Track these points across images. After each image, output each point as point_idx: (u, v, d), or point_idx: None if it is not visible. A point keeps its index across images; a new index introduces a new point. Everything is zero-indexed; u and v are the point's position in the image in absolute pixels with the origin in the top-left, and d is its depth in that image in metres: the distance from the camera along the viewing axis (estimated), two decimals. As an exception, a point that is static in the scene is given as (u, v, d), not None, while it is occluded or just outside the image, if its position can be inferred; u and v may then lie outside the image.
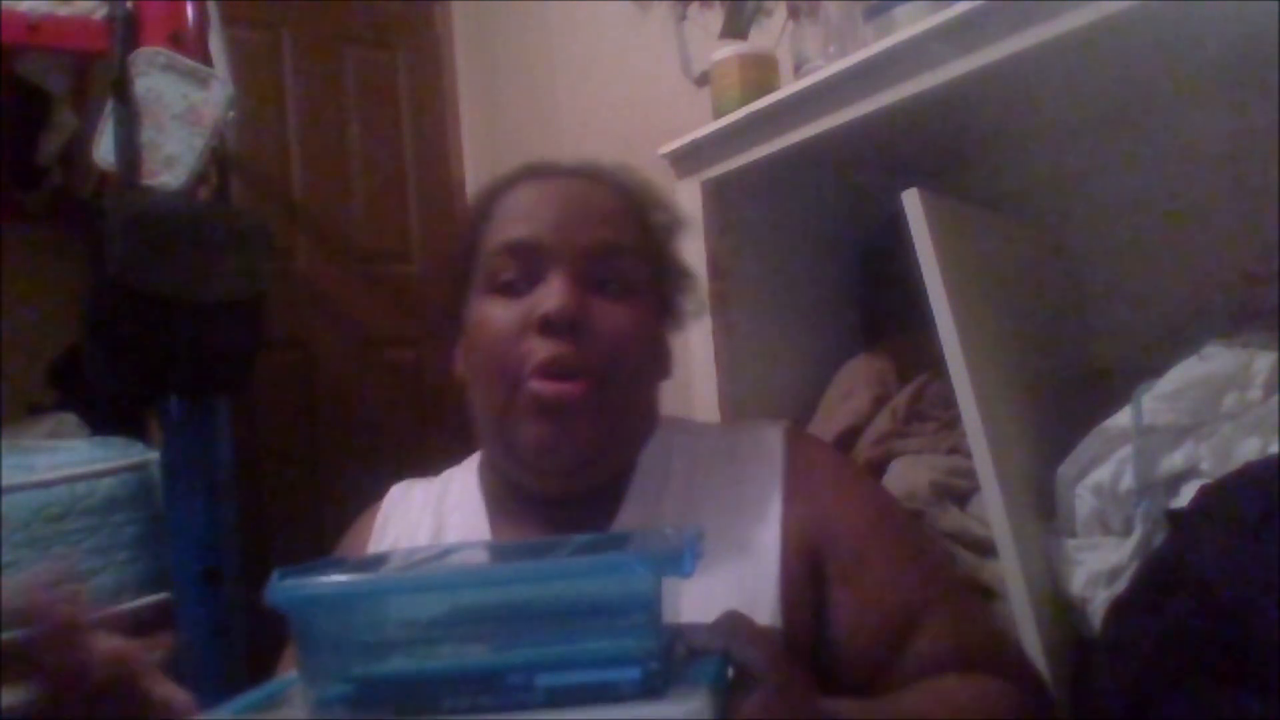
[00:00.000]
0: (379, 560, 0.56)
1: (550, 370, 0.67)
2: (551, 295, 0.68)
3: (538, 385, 0.67)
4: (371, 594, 0.45)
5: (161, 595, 1.41)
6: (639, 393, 0.75)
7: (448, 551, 0.55)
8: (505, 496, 0.76)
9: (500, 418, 0.71)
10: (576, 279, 0.70)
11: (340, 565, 0.51)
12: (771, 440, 0.74)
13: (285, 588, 0.44)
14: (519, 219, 0.73)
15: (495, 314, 0.71)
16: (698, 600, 0.52)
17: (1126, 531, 0.76)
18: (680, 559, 0.42)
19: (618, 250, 0.72)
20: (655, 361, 0.77)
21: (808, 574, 0.67)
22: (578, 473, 0.71)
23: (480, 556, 0.60)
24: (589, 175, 0.77)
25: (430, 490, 0.83)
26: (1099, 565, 0.76)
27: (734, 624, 0.48)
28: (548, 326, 0.67)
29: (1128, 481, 0.76)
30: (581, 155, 0.79)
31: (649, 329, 0.75)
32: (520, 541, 0.70)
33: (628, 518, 0.72)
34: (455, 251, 0.78)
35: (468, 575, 0.48)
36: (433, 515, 0.79)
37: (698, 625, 0.48)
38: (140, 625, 1.38)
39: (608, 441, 0.71)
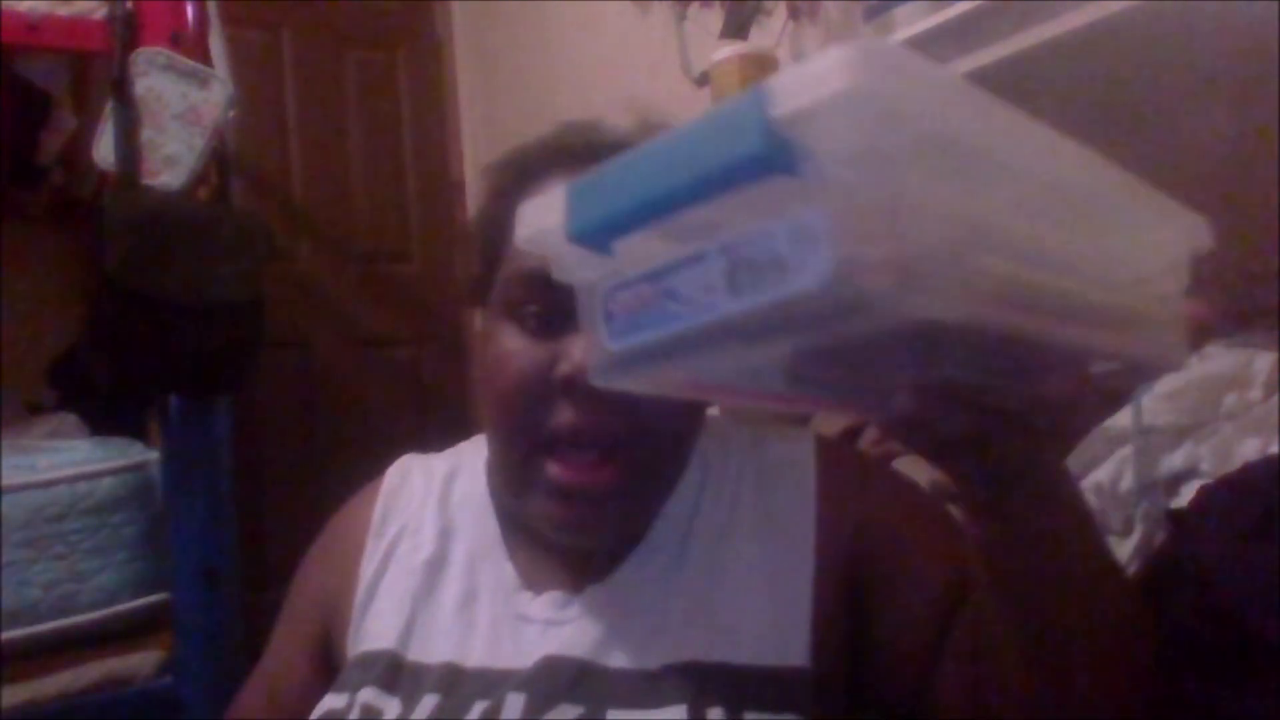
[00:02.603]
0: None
1: (572, 441, 0.58)
2: (578, 351, 0.56)
3: (558, 469, 0.59)
4: None
5: (161, 595, 1.41)
6: (680, 452, 0.65)
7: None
8: (518, 524, 0.68)
9: (513, 475, 0.63)
10: None
11: None
12: (802, 457, 0.68)
13: None
14: None
15: (513, 353, 0.60)
16: (728, 634, 0.49)
17: (1126, 531, 0.76)
18: None
19: None
20: (701, 412, 0.66)
21: (844, 594, 0.62)
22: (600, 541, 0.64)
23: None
24: None
25: (432, 478, 0.73)
26: (1099, 565, 0.76)
27: None
28: (571, 389, 0.57)
29: (1128, 481, 0.76)
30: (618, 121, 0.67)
31: None
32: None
33: (656, 539, 0.65)
34: (475, 246, 0.67)
35: None
36: (436, 513, 0.70)
37: None
38: (139, 625, 1.40)
39: (637, 515, 0.63)
